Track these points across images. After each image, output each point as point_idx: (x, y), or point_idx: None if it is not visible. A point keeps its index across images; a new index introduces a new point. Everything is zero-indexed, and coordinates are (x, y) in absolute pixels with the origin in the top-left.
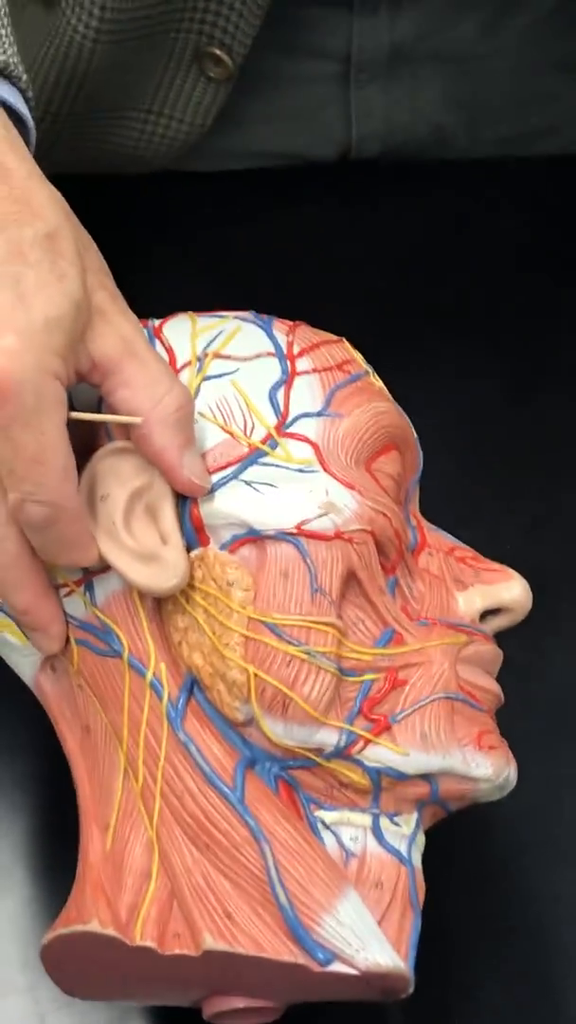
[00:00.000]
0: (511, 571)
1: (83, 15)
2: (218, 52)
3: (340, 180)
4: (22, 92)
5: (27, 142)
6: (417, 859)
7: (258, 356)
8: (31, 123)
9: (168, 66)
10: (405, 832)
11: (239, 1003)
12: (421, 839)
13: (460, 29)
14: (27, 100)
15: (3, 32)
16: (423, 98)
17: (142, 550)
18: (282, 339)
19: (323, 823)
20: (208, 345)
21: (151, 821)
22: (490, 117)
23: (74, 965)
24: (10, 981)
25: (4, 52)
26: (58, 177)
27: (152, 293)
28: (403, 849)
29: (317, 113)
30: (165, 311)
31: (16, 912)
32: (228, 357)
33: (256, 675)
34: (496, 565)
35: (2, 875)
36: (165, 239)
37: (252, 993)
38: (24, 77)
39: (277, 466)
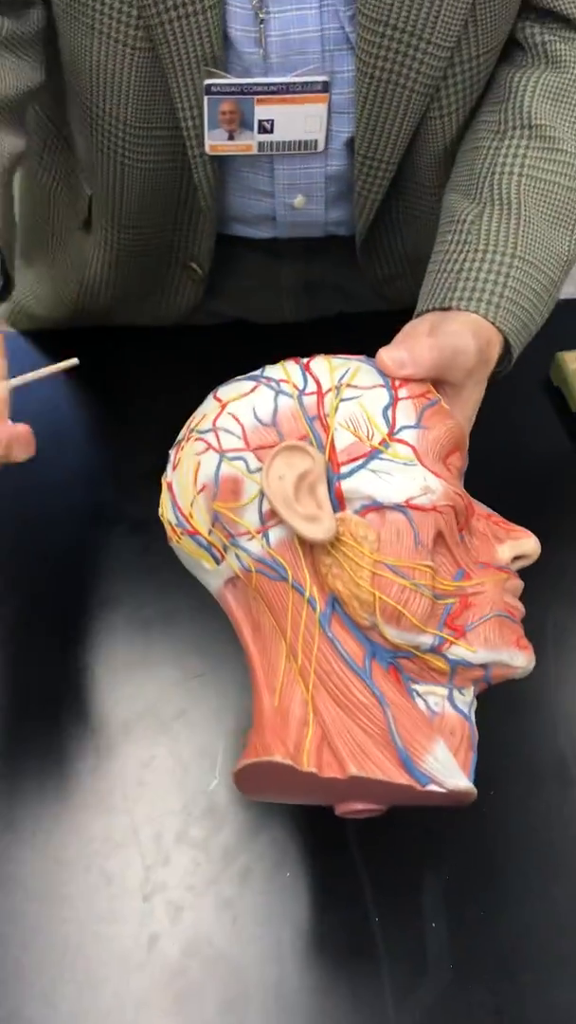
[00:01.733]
0: (528, 531)
1: (111, 240)
2: (193, 265)
3: (280, 334)
4: None
5: None
6: (472, 716)
7: (374, 387)
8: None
9: (168, 271)
10: (467, 699)
11: (360, 806)
12: (475, 703)
13: (357, 280)
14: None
15: None
16: (335, 306)
17: (306, 513)
18: (387, 376)
19: (417, 693)
20: (341, 378)
21: (307, 688)
22: None
23: (255, 782)
24: (115, 806)
25: None
26: (113, 327)
27: (161, 395)
28: (466, 710)
29: (264, 310)
30: (169, 402)
31: (127, 764)
32: (355, 387)
33: (379, 597)
34: (517, 527)
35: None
36: (175, 354)
37: (371, 800)
38: None
39: (390, 460)
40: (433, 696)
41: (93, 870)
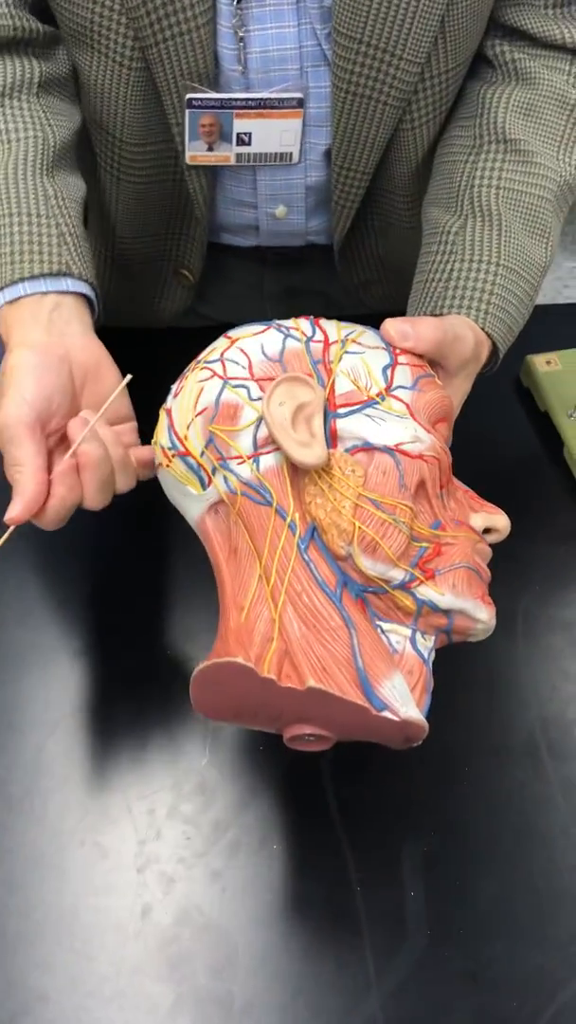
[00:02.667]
0: (500, 510)
1: (105, 248)
2: (184, 271)
3: None
4: (89, 284)
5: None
6: (431, 663)
7: (376, 348)
8: (95, 303)
9: (160, 277)
10: (428, 645)
11: (308, 729)
12: (433, 653)
13: (336, 285)
14: (95, 290)
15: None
16: (315, 310)
17: (300, 439)
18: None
19: (381, 629)
20: (348, 335)
21: (275, 607)
22: None
23: (209, 690)
24: (109, 783)
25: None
26: (111, 328)
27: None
28: (426, 654)
29: (248, 314)
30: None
31: (121, 743)
32: (360, 344)
33: (359, 527)
34: (491, 504)
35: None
36: (163, 355)
37: (321, 724)
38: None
39: (384, 411)
40: (396, 635)
41: (89, 844)
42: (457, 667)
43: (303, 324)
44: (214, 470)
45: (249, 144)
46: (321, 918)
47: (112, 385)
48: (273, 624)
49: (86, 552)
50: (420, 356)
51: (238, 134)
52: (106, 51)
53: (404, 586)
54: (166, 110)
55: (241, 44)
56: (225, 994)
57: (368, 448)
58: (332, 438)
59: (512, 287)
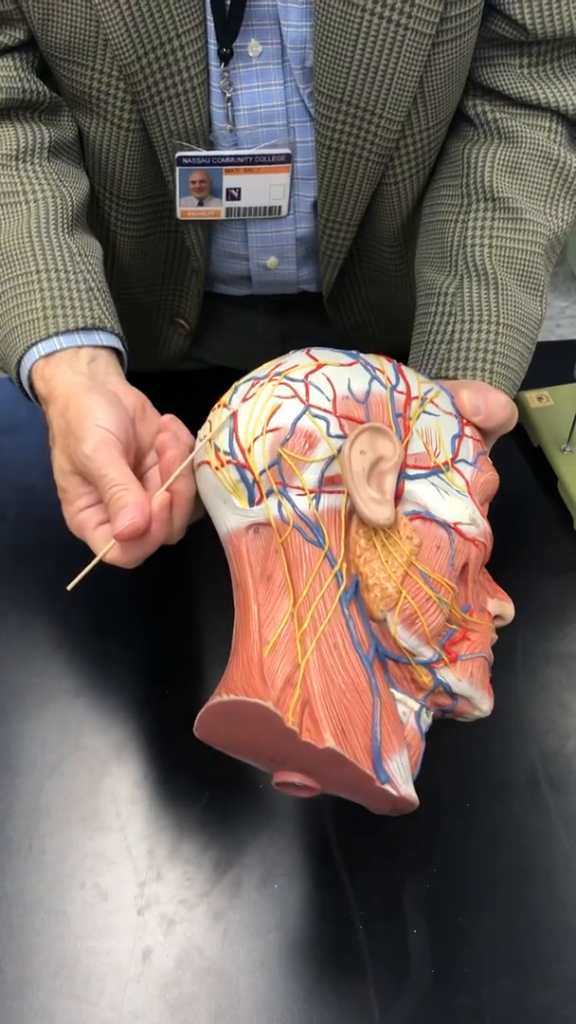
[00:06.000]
0: (510, 598)
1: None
2: (180, 321)
3: None
4: (120, 339)
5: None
6: (424, 740)
7: (448, 414)
8: (124, 355)
9: (157, 326)
10: (428, 721)
11: (298, 779)
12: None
13: (328, 329)
14: (123, 343)
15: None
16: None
17: (372, 495)
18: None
19: (394, 697)
20: (427, 392)
21: (303, 653)
22: None
23: (221, 722)
24: (108, 824)
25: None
26: None
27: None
28: (424, 730)
29: (241, 358)
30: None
31: (120, 784)
32: (437, 406)
33: (405, 596)
34: (503, 591)
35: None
36: (160, 398)
37: (316, 777)
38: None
39: (448, 483)
40: (403, 706)
41: (88, 886)
42: None
43: (387, 368)
44: (269, 492)
45: (239, 199)
46: (324, 958)
47: (156, 425)
48: (297, 670)
49: (83, 591)
50: (480, 430)
51: (228, 189)
52: (105, 114)
53: (428, 664)
54: (163, 167)
55: (229, 103)
56: None
57: (427, 518)
58: (396, 498)
59: (514, 343)
